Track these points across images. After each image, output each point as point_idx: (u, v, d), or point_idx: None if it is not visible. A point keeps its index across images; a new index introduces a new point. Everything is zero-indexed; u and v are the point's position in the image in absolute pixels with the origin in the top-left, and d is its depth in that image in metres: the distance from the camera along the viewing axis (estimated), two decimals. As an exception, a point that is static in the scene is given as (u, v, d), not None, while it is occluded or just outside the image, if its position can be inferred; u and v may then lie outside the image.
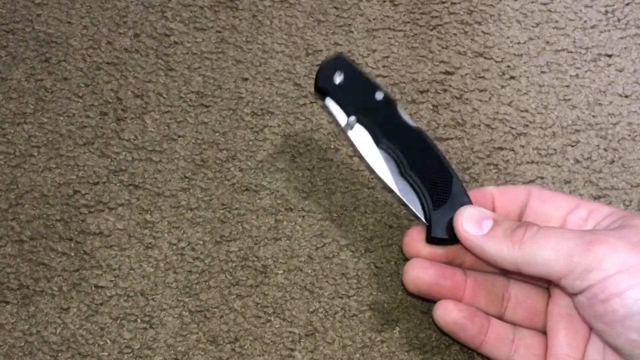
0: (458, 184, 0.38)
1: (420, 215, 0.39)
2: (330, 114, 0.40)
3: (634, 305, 0.31)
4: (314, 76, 0.41)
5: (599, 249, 0.33)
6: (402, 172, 0.39)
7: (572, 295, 0.35)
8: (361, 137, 0.40)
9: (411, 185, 0.39)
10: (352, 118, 0.39)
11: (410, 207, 0.39)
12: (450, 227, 0.37)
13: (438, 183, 0.39)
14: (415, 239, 0.39)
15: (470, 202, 0.38)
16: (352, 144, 0.40)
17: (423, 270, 0.38)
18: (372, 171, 0.40)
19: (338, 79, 0.40)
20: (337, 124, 0.40)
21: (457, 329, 0.38)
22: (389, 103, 0.40)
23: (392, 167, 0.39)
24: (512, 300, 0.39)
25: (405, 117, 0.40)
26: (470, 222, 0.37)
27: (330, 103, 0.40)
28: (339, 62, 0.41)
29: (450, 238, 0.38)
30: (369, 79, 0.41)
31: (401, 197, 0.39)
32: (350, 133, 0.40)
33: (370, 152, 0.39)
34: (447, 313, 0.38)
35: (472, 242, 0.36)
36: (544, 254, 0.34)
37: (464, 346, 0.41)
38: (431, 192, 0.38)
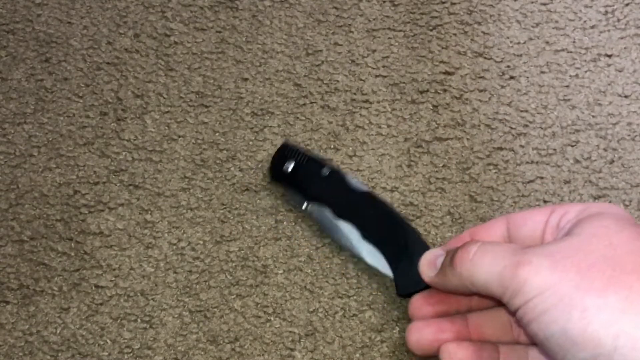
0: (412, 234, 0.41)
1: (390, 274, 0.41)
2: (290, 197, 0.44)
3: (547, 329, 0.31)
4: (270, 164, 0.45)
5: (523, 271, 0.32)
6: (364, 237, 0.42)
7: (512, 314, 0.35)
8: (322, 214, 0.43)
9: (375, 247, 0.41)
10: (308, 204, 0.43)
11: (379, 269, 0.42)
12: (416, 277, 0.38)
13: (395, 240, 0.41)
14: (418, 307, 0.39)
15: (426, 246, 0.40)
16: (315, 220, 0.44)
17: (418, 332, 0.38)
18: (338, 241, 0.43)
19: (289, 167, 0.44)
20: (298, 206, 0.44)
21: None
22: (336, 176, 0.43)
23: (355, 234, 0.42)
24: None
25: (354, 183, 0.43)
26: (427, 267, 0.38)
27: (287, 190, 0.44)
28: (286, 151, 0.44)
29: (420, 287, 0.39)
30: (315, 158, 0.44)
31: (368, 261, 0.42)
32: (311, 214, 0.44)
33: (332, 225, 0.43)
34: (452, 356, 0.37)
35: (433, 283, 0.37)
36: (480, 275, 0.33)
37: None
38: (391, 250, 0.41)
